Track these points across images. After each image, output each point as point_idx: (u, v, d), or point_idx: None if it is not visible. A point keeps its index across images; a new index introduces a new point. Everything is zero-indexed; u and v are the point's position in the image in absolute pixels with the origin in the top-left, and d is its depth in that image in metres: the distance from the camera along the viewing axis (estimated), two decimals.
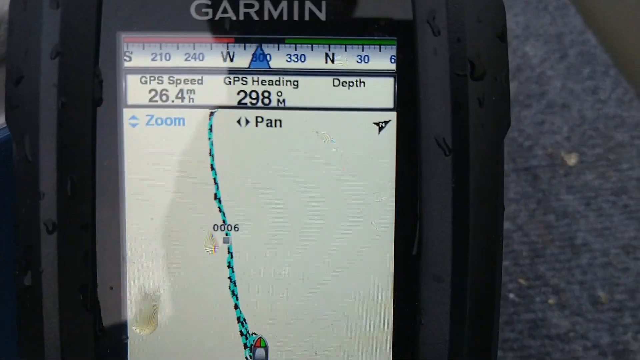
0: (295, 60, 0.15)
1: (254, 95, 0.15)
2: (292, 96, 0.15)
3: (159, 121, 0.15)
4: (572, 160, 0.37)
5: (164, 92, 0.15)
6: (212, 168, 0.14)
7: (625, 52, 0.44)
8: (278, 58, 0.15)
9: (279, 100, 0.15)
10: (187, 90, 0.15)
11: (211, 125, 0.14)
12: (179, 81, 0.15)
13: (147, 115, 0.15)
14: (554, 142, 0.38)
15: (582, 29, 0.46)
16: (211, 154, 0.14)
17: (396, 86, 0.15)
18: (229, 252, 0.15)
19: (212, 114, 0.14)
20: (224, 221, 0.15)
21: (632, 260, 0.33)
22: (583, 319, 0.31)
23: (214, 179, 0.15)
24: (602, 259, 0.33)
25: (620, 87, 0.42)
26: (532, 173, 0.36)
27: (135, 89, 0.15)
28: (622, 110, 0.40)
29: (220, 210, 0.15)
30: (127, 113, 0.15)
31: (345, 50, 0.15)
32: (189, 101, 0.15)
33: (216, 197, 0.15)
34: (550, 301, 0.32)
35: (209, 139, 0.14)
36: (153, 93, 0.15)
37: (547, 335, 0.30)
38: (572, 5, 0.48)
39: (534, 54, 0.43)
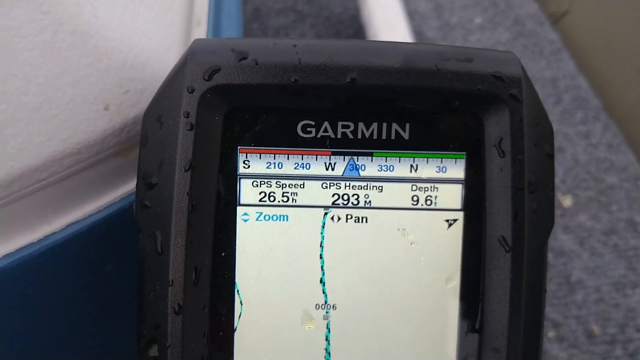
0: (385, 170, 0.17)
1: (345, 197, 0.18)
2: (376, 198, 0.18)
3: (267, 217, 0.18)
4: (567, 202, 0.41)
5: (271, 193, 0.18)
6: (321, 257, 0.17)
7: (614, 97, 0.48)
8: (371, 167, 0.17)
9: (365, 201, 0.18)
10: (291, 192, 0.18)
11: (324, 222, 0.17)
12: (284, 185, 0.18)
13: (256, 212, 0.18)
14: None
15: (575, 73, 0.50)
16: (321, 245, 0.17)
17: (463, 191, 0.18)
18: (327, 328, 0.18)
19: (326, 213, 0.17)
20: (325, 301, 0.18)
21: (621, 297, 0.37)
22: (579, 351, 0.35)
23: (322, 266, 0.17)
24: (595, 296, 0.37)
25: (610, 131, 0.46)
26: None
27: (247, 191, 0.17)
28: (612, 154, 0.44)
29: (324, 292, 0.17)
30: (240, 210, 0.18)
31: (427, 162, 0.18)
32: (292, 201, 0.18)
33: (321, 281, 0.17)
34: (550, 334, 0.35)
35: (321, 233, 0.17)
36: (262, 194, 0.18)
37: None
38: (566, 49, 0.52)
39: None
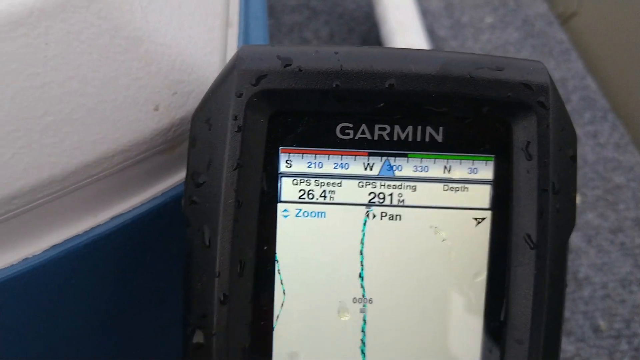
0: (420, 170, 0.19)
1: (381, 196, 0.19)
2: (410, 197, 0.19)
3: (305, 214, 0.19)
4: (576, 200, 0.42)
5: (310, 191, 0.19)
6: (361, 253, 0.18)
7: (622, 97, 0.49)
8: (407, 168, 0.18)
9: (399, 200, 0.19)
10: (329, 190, 0.19)
11: (366, 220, 0.18)
12: (322, 183, 0.19)
13: (296, 209, 0.19)
14: None
15: (583, 73, 0.51)
16: (362, 242, 0.18)
17: (492, 191, 0.19)
18: (363, 320, 0.19)
19: (368, 211, 0.18)
20: (363, 295, 0.19)
21: (627, 293, 0.38)
22: (586, 345, 0.36)
23: (361, 261, 0.18)
24: (602, 292, 0.38)
25: (617, 131, 0.47)
26: None
27: (287, 189, 0.18)
28: (619, 154, 0.45)
29: (362, 287, 0.19)
30: (280, 207, 0.19)
31: (460, 164, 0.19)
32: (330, 199, 0.19)
33: (360, 275, 0.19)
34: None
35: (362, 231, 0.18)
36: (302, 192, 0.19)
37: None
38: (575, 50, 0.53)
39: None
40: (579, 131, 0.47)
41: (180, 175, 0.21)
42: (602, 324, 0.37)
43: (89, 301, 0.22)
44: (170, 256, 0.22)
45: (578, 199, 0.42)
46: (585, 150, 0.45)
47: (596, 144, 0.46)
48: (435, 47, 0.52)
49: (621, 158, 0.45)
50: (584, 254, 0.40)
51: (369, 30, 0.51)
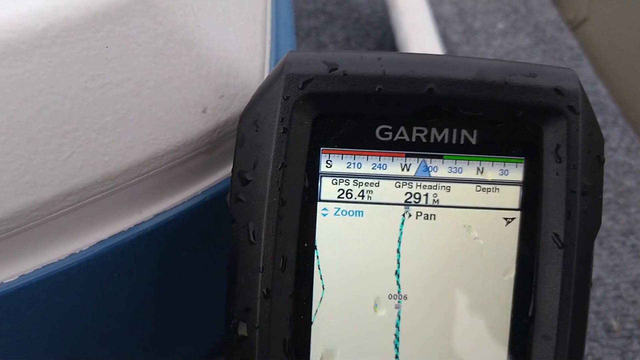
0: (455, 171, 0.19)
1: (417, 195, 0.20)
2: (444, 197, 0.20)
3: (344, 212, 0.20)
4: None
5: (349, 191, 0.19)
6: (398, 251, 0.19)
7: (632, 103, 0.50)
8: (442, 169, 0.19)
9: (434, 200, 0.20)
10: (367, 190, 0.19)
11: (404, 220, 0.19)
12: (361, 183, 0.19)
13: (335, 207, 0.19)
14: None
15: (594, 79, 0.52)
16: (399, 241, 0.19)
17: (521, 192, 0.20)
18: (397, 316, 0.20)
19: (406, 211, 0.19)
20: (398, 292, 0.19)
21: (639, 294, 0.39)
22: (599, 345, 0.37)
23: (398, 259, 0.19)
24: (614, 292, 0.39)
25: (628, 136, 0.48)
26: None
27: (327, 188, 0.19)
28: (630, 158, 0.46)
29: (397, 283, 0.19)
30: (320, 206, 0.19)
31: (492, 166, 0.19)
32: (367, 198, 0.20)
33: (396, 273, 0.19)
34: None
35: (400, 229, 0.19)
36: (341, 191, 0.19)
37: None
38: (585, 56, 0.53)
39: None
40: None
41: (219, 175, 0.22)
42: (615, 324, 0.38)
43: (130, 295, 0.23)
44: (209, 251, 0.23)
45: None
46: None
47: (607, 149, 0.47)
48: (449, 52, 0.53)
49: (632, 162, 0.46)
50: (596, 256, 0.41)
51: (383, 34, 0.52)
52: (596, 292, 0.39)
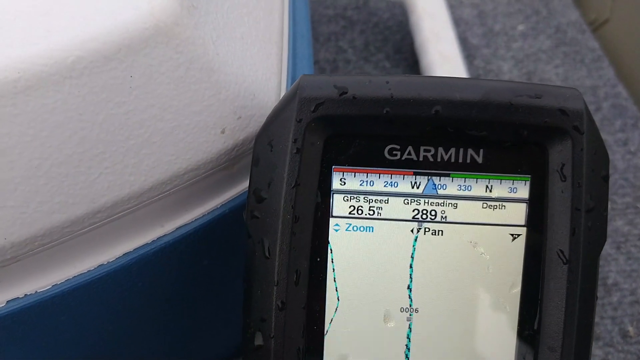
0: (463, 189, 0.20)
1: (424, 212, 0.20)
2: (451, 214, 0.20)
3: (355, 228, 0.20)
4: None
5: (359, 207, 0.20)
6: (411, 266, 0.20)
7: None
8: (451, 187, 0.20)
9: (441, 217, 0.20)
10: (377, 207, 0.20)
11: (417, 236, 0.20)
12: (371, 200, 0.20)
13: (346, 223, 0.20)
14: None
15: (615, 81, 0.51)
16: (412, 256, 0.20)
17: (527, 209, 0.20)
18: (408, 328, 0.20)
19: (419, 228, 0.20)
20: (410, 305, 0.20)
21: None
22: (614, 350, 0.37)
23: (410, 274, 0.20)
24: (630, 298, 0.39)
25: None
26: None
27: (339, 205, 0.20)
28: None
29: (409, 297, 0.20)
30: (332, 221, 0.20)
31: (500, 184, 0.20)
32: (377, 215, 0.20)
33: (409, 287, 0.20)
34: None
35: (413, 245, 0.20)
36: (352, 208, 0.20)
37: None
38: (606, 58, 0.53)
39: None
40: (609, 139, 0.47)
41: (237, 189, 0.23)
42: (631, 329, 0.38)
43: (153, 302, 0.24)
44: (228, 261, 0.24)
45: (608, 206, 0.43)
46: (615, 158, 0.46)
47: (626, 152, 0.46)
48: (469, 55, 0.53)
49: None
50: (614, 261, 0.41)
51: (402, 39, 0.53)
52: (613, 297, 0.39)
